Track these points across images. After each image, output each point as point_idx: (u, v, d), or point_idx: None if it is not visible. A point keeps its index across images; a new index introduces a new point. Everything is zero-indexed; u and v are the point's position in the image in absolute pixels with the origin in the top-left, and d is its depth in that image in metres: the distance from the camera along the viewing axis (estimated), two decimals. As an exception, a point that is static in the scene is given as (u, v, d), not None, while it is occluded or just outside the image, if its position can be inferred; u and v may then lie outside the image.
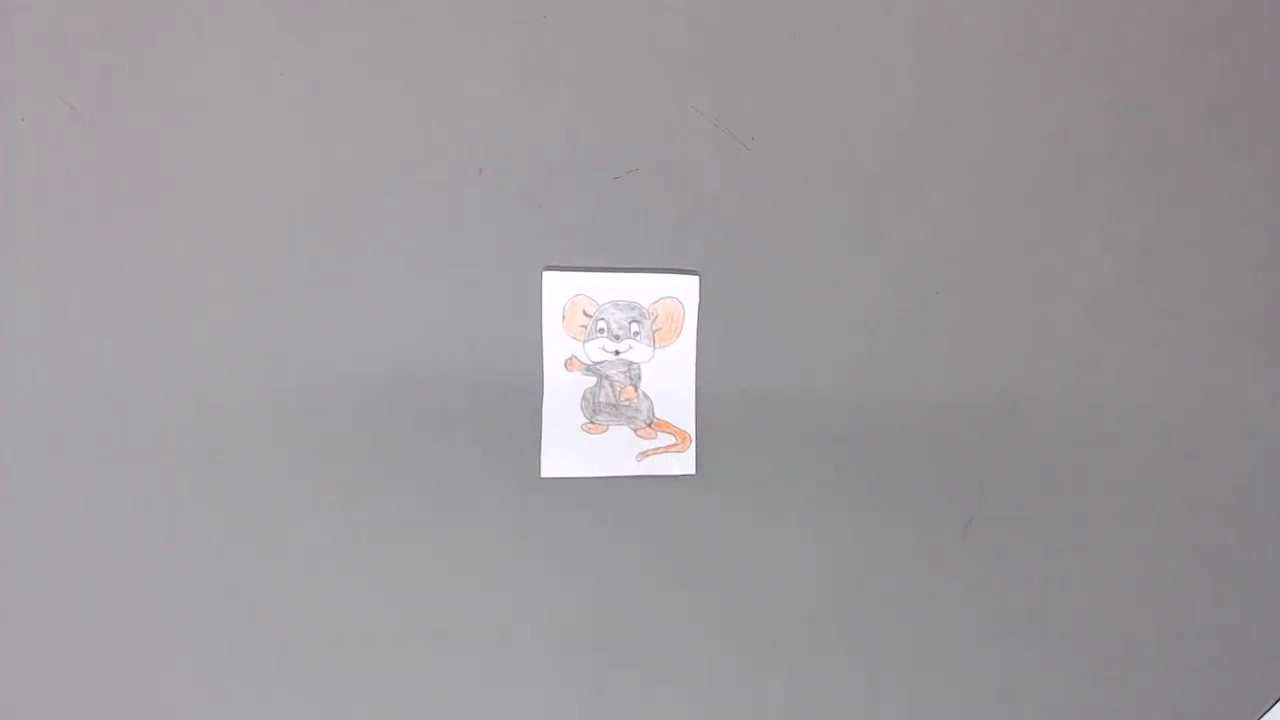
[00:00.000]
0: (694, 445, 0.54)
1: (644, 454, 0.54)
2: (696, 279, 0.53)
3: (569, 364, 0.53)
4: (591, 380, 0.53)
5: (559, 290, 0.52)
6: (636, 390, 0.53)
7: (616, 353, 0.53)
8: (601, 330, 0.53)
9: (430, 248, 0.52)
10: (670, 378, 0.54)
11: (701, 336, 0.54)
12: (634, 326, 0.53)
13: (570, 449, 0.53)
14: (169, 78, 0.51)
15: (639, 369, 0.53)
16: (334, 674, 0.53)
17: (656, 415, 0.54)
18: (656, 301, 0.53)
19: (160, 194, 0.51)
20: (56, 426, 0.51)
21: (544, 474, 0.53)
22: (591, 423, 0.53)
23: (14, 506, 0.51)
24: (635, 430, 0.54)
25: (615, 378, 0.53)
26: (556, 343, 0.53)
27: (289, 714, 0.53)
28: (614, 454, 0.54)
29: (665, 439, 0.54)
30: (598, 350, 0.53)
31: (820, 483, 0.55)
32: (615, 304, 0.53)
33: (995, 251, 0.56)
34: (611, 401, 0.53)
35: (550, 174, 0.53)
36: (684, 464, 0.54)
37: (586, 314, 0.53)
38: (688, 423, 0.54)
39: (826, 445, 0.55)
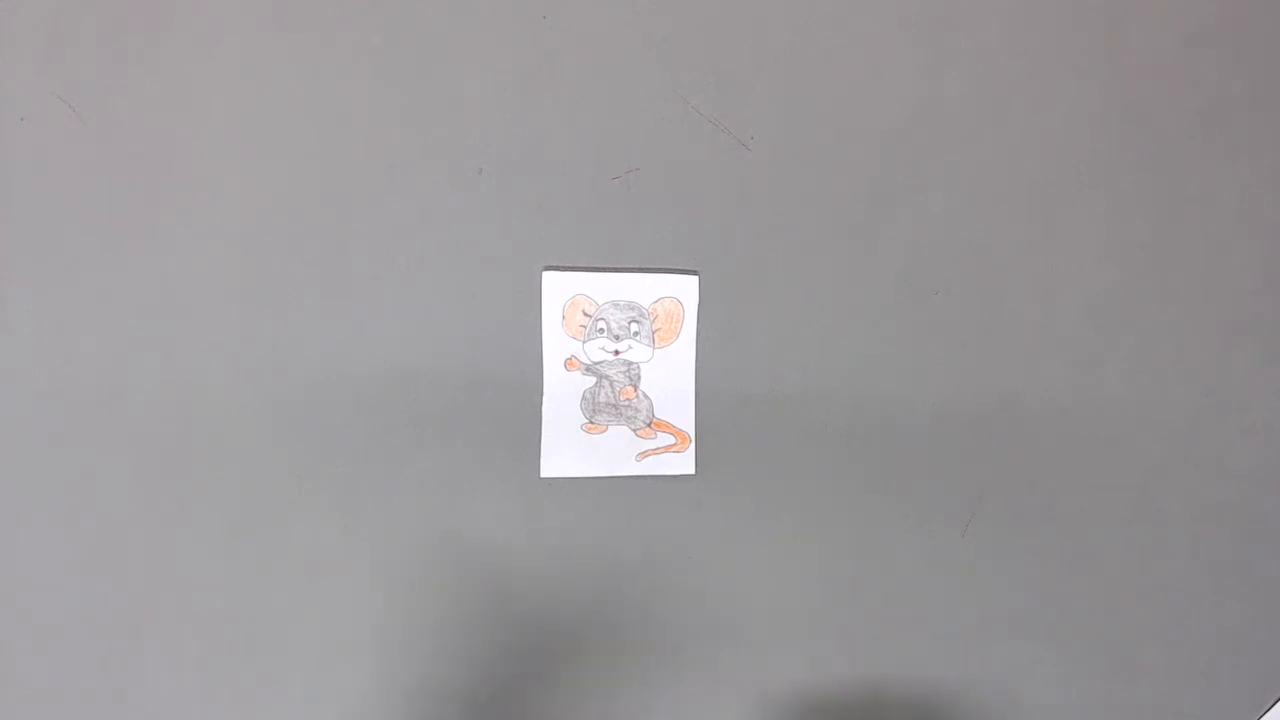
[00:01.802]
0: (694, 445, 0.54)
1: (644, 454, 0.54)
2: (696, 279, 0.53)
3: (569, 364, 0.53)
4: (591, 380, 0.53)
5: (559, 290, 0.52)
6: (636, 390, 0.53)
7: (616, 353, 0.53)
8: (601, 330, 0.53)
9: (430, 248, 0.52)
10: (670, 378, 0.54)
11: (701, 336, 0.54)
12: (633, 326, 0.53)
13: (570, 449, 0.53)
14: (169, 78, 0.51)
15: (639, 369, 0.53)
16: (334, 674, 0.53)
17: (656, 415, 0.54)
18: (656, 301, 0.53)
19: (160, 194, 0.51)
20: (56, 426, 0.51)
21: (544, 474, 0.53)
22: (591, 423, 0.53)
23: (14, 506, 0.51)
24: (635, 430, 0.54)
25: (615, 378, 0.53)
26: (556, 343, 0.53)
27: (289, 714, 0.53)
28: (614, 454, 0.54)
29: (665, 439, 0.54)
30: (597, 350, 0.53)
31: (820, 483, 0.55)
32: (615, 304, 0.53)
33: (995, 251, 0.56)
34: (611, 401, 0.53)
35: (550, 174, 0.53)
36: (684, 464, 0.54)
37: (586, 314, 0.53)
38: (687, 423, 0.54)
39: (826, 445, 0.55)
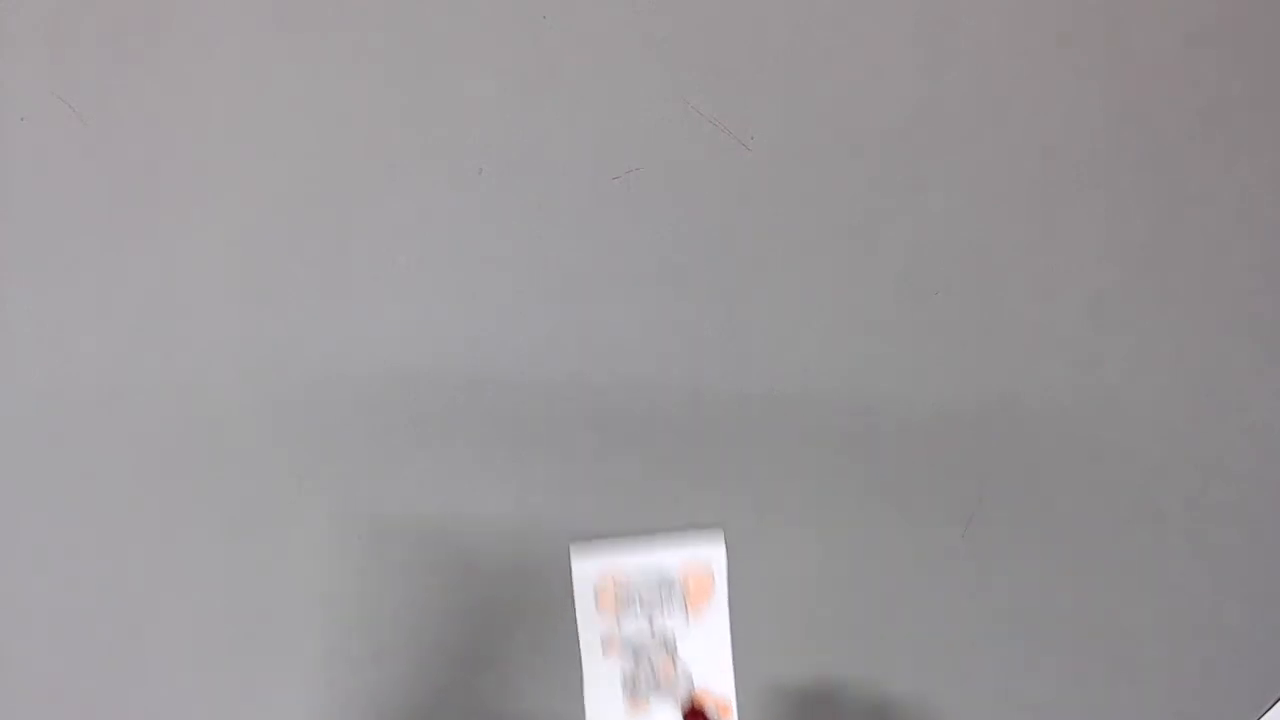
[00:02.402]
0: (734, 716, 0.53)
1: None
2: (721, 538, 0.53)
3: (607, 647, 0.52)
4: (630, 660, 0.53)
5: (589, 573, 0.52)
6: (674, 663, 0.53)
7: (651, 626, 0.53)
8: (634, 606, 0.53)
9: (430, 248, 0.52)
10: (706, 646, 0.53)
11: (701, 336, 0.54)
12: (664, 595, 0.53)
13: None
14: (169, 78, 0.51)
15: (674, 640, 0.53)
16: (333, 674, 0.53)
17: (696, 686, 0.53)
18: (685, 569, 0.53)
19: (160, 194, 0.51)
20: (56, 426, 0.51)
21: None
22: (634, 705, 0.53)
23: (14, 506, 0.51)
24: (678, 704, 0.53)
25: (653, 653, 0.53)
26: (592, 625, 0.52)
27: (289, 714, 0.53)
28: None
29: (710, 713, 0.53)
30: (632, 627, 0.53)
31: (820, 484, 0.55)
32: (645, 577, 0.53)
33: (995, 251, 0.56)
34: (651, 678, 0.53)
35: (550, 174, 0.53)
36: None
37: (617, 591, 0.52)
38: (727, 689, 0.53)
39: (826, 446, 0.55)
